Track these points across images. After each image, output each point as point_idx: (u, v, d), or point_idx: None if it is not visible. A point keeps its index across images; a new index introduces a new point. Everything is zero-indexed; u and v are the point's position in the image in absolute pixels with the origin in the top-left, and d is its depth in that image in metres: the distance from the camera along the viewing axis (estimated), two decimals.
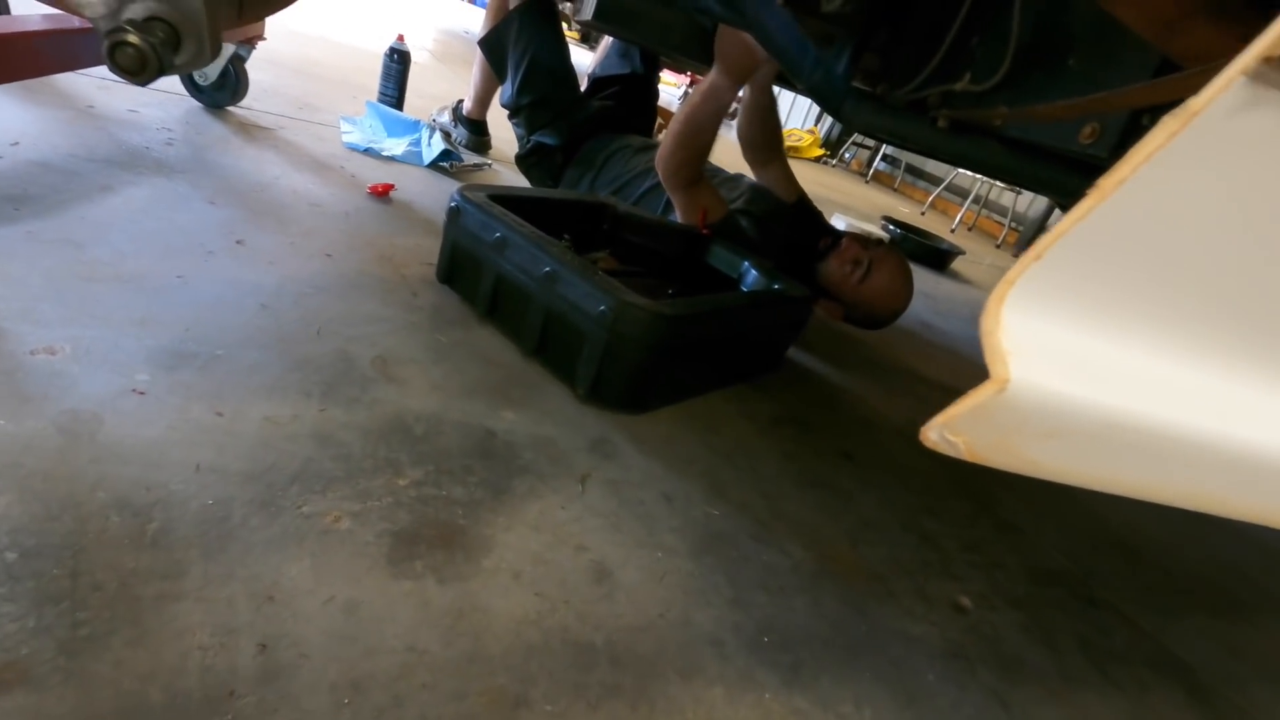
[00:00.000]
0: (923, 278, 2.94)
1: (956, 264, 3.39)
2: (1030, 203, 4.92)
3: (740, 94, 1.63)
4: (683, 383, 1.17)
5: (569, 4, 1.76)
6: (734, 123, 1.74)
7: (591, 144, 1.81)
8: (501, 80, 1.88)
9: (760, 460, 1.09)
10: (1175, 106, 0.57)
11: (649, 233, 1.49)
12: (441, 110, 2.32)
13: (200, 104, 1.73)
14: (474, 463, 0.85)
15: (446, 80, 3.39)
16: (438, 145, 1.95)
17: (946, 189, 5.19)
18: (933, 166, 5.53)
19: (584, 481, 0.89)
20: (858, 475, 1.15)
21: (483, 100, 2.22)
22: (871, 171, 5.99)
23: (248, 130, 1.70)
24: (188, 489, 0.67)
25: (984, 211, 5.13)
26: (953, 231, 4.60)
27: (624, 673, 0.65)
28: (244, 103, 1.81)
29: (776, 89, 1.76)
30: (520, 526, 0.78)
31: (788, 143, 5.73)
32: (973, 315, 2.66)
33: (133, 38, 0.40)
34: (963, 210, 4.90)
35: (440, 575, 0.68)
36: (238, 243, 1.15)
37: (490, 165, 2.17)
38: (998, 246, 4.79)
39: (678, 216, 1.56)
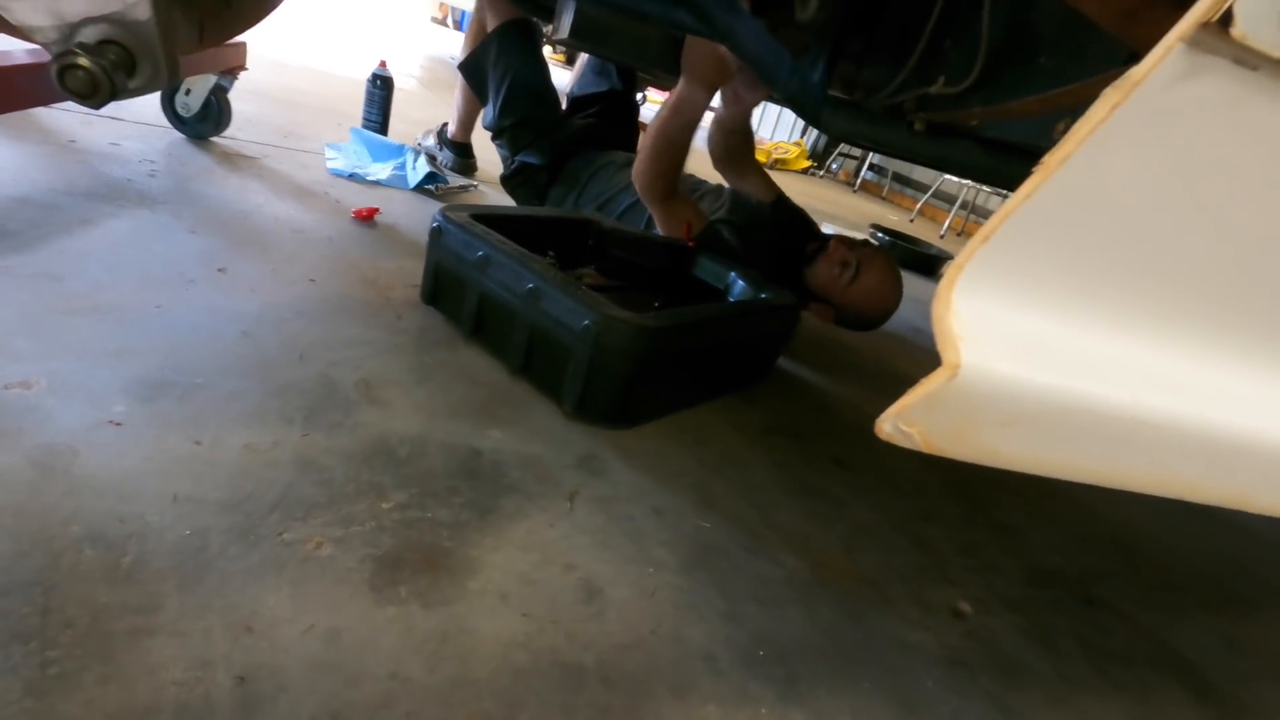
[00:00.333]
0: (913, 284, 2.94)
1: (946, 269, 3.41)
2: None
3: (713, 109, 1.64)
4: (670, 396, 1.16)
5: (547, 24, 1.77)
6: (704, 136, 1.74)
7: (575, 162, 1.82)
8: (484, 103, 1.89)
9: (750, 470, 1.08)
10: None
11: (634, 247, 1.49)
12: (426, 134, 2.33)
13: (183, 136, 1.74)
14: (459, 483, 0.84)
15: (431, 105, 3.41)
16: (423, 168, 1.96)
17: (934, 196, 5.22)
18: (920, 174, 5.57)
19: (572, 499, 0.88)
20: (850, 481, 1.14)
21: (466, 123, 2.23)
22: (859, 181, 6.03)
23: (231, 160, 1.70)
24: (164, 520, 0.66)
25: (972, 217, 5.16)
26: (942, 237, 4.62)
27: (615, 693, 0.64)
28: (228, 133, 1.81)
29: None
30: (507, 547, 0.76)
31: (774, 155, 5.77)
32: None
33: (83, 60, 0.39)
34: (951, 216, 4.93)
35: (425, 600, 0.67)
36: (219, 271, 1.15)
37: (476, 186, 2.18)
38: None
39: (658, 230, 1.56)
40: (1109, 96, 0.19)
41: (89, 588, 0.57)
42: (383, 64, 2.26)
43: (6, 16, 0.41)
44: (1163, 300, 0.21)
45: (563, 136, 1.83)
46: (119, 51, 0.42)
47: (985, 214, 5.08)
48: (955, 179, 4.79)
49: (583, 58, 2.16)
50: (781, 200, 1.75)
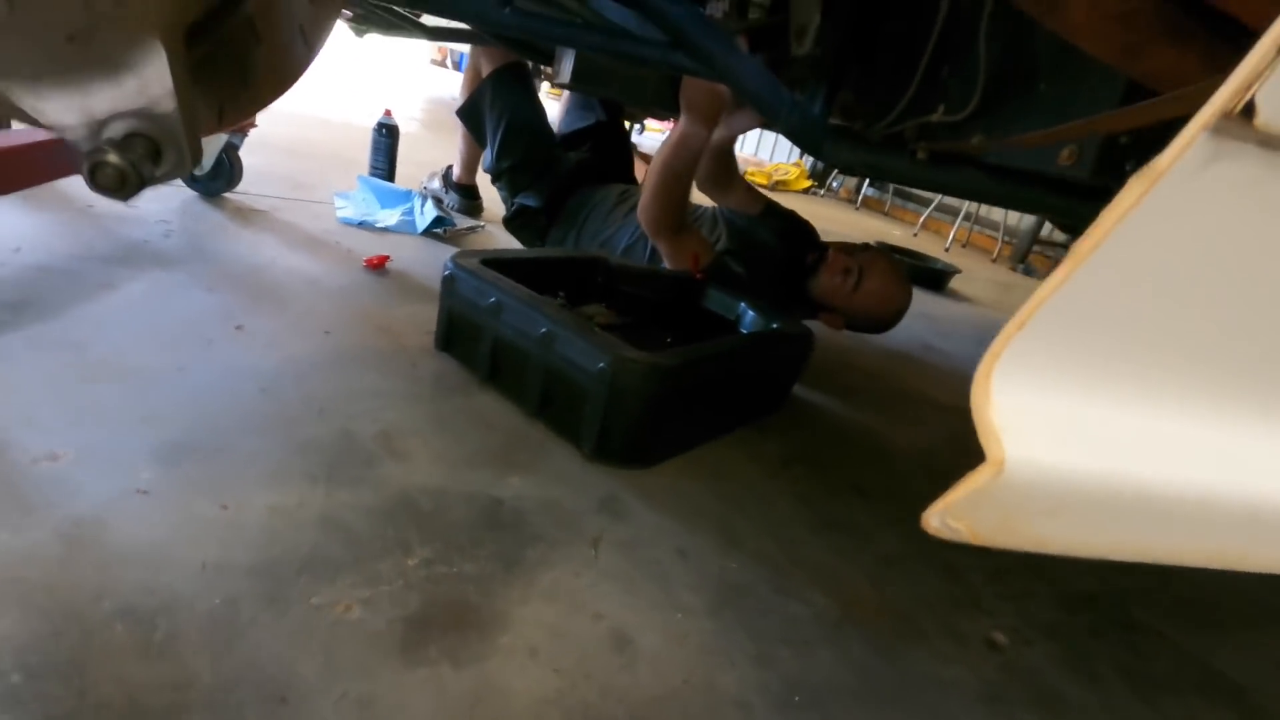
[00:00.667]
0: (921, 299, 2.94)
1: (954, 282, 3.39)
2: (1021, 216, 4.95)
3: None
4: (687, 432, 1.16)
5: (543, 65, 1.81)
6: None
7: (572, 201, 1.84)
8: (483, 147, 1.93)
9: (772, 505, 1.07)
10: (1146, 126, 0.57)
11: (643, 282, 1.50)
12: (432, 177, 2.37)
13: (197, 193, 1.77)
14: (483, 535, 0.84)
15: (435, 147, 3.47)
16: (430, 213, 1.99)
17: (937, 209, 5.23)
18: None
19: (596, 545, 0.87)
20: (872, 510, 1.13)
21: (470, 166, 2.27)
22: (861, 198, 6.06)
23: (244, 215, 1.74)
24: (194, 589, 0.66)
25: (976, 228, 5.16)
26: (946, 250, 4.62)
27: None
28: (239, 187, 1.85)
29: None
30: (535, 599, 0.76)
31: (775, 178, 5.82)
32: (976, 334, 2.65)
33: (112, 157, 0.41)
34: (954, 228, 4.94)
35: (455, 659, 0.66)
36: (237, 328, 1.16)
37: (484, 227, 2.20)
38: (993, 260, 4.81)
39: (665, 263, 1.57)
40: (1134, 186, 0.19)
41: (123, 665, 0.57)
42: (387, 113, 2.31)
43: (38, 119, 0.43)
44: (1199, 375, 0.21)
45: (558, 176, 1.86)
46: (146, 143, 0.43)
47: (989, 224, 5.08)
48: None
49: (565, 94, 2.20)
50: (770, 209, 1.76)
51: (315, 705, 0.58)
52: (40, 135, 1.13)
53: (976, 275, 3.99)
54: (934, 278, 3.23)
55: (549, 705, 0.64)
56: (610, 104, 2.08)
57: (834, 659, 0.79)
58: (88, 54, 0.40)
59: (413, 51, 8.97)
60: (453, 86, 6.78)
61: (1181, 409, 0.21)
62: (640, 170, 2.51)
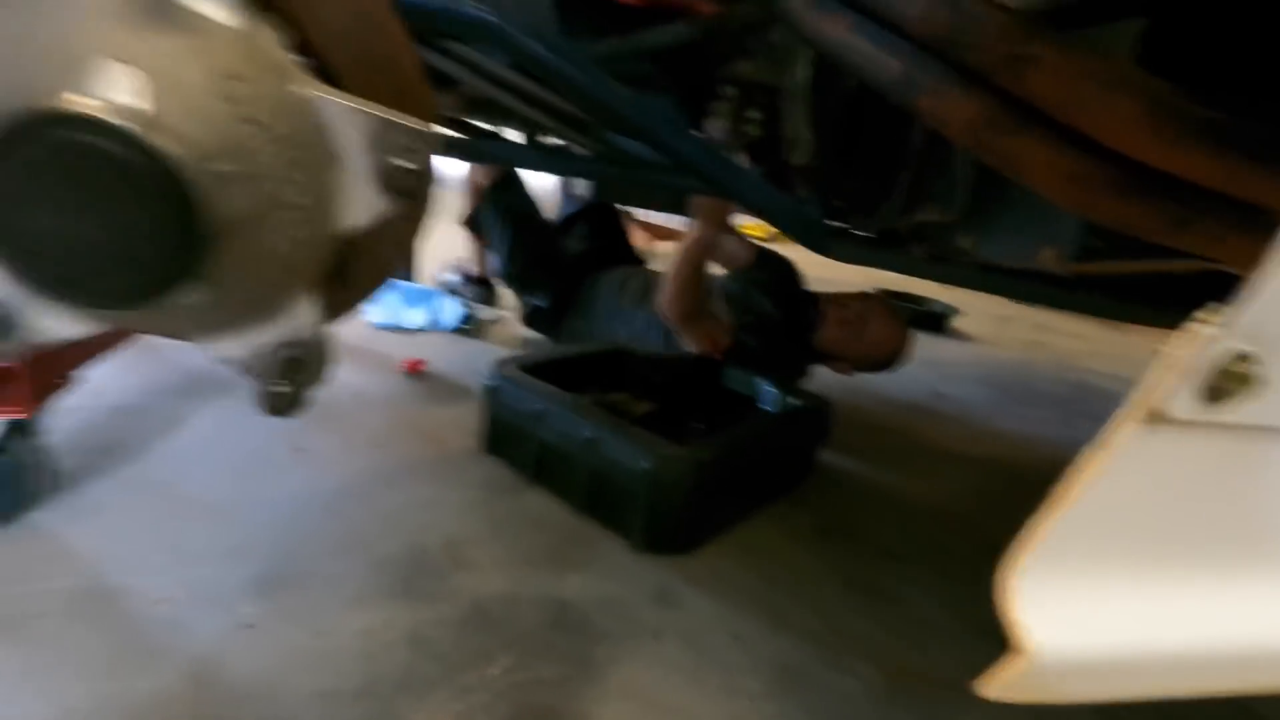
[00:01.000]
0: (923, 345, 3.04)
1: (955, 321, 3.50)
2: None
3: None
4: (726, 513, 1.23)
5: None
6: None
7: (580, 293, 1.98)
8: (489, 248, 2.09)
9: (810, 579, 1.14)
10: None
11: (664, 369, 1.60)
12: (449, 270, 2.51)
13: None
14: (554, 638, 0.91)
15: (450, 237, 3.63)
16: (454, 310, 2.11)
17: None
18: None
19: (659, 637, 0.94)
20: (906, 575, 1.20)
21: (482, 261, 2.42)
22: None
23: None
24: (311, 717, 0.73)
25: None
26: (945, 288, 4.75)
27: None
28: None
29: None
30: (611, 698, 0.83)
31: (768, 232, 6.00)
32: (982, 375, 2.73)
33: (283, 387, 0.51)
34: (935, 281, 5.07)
35: None
36: (298, 450, 1.26)
37: (505, 315, 2.32)
38: None
39: (684, 345, 1.68)
40: (1091, 457, 0.28)
41: None
42: None
43: (210, 353, 0.53)
44: (1190, 556, 0.29)
45: (563, 271, 2.00)
46: (296, 365, 0.53)
47: None
48: None
49: (559, 180, 2.37)
50: (763, 258, 1.87)
51: None
52: None
53: (976, 309, 4.09)
54: (935, 320, 3.34)
55: None
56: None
57: None
58: (260, 311, 0.50)
59: None
60: (451, 172, 7.05)
61: (1181, 582, 0.30)
62: (639, 238, 2.66)
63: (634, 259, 2.24)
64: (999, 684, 0.28)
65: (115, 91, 0.37)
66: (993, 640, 1.07)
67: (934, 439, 1.95)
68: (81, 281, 0.40)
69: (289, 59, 0.43)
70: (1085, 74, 0.52)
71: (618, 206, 2.29)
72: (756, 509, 1.32)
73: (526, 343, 2.14)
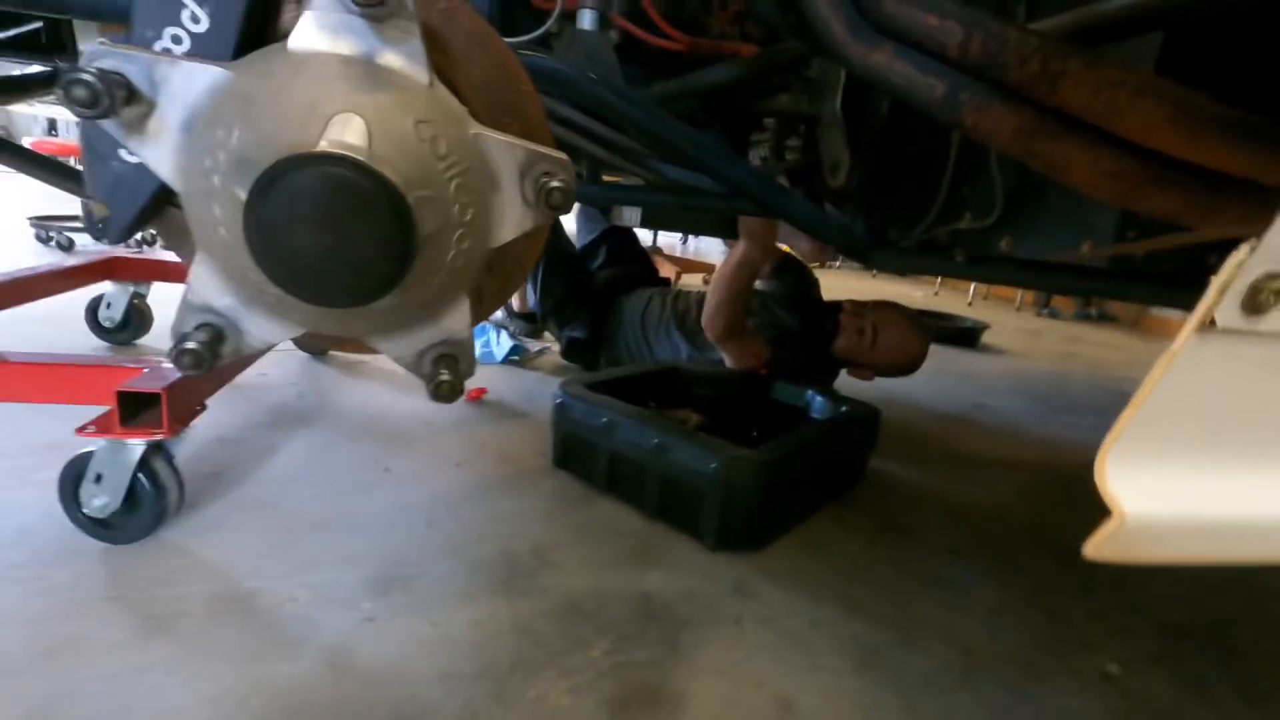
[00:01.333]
0: (959, 359, 3.08)
1: (985, 336, 3.54)
2: None
3: None
4: (790, 513, 1.30)
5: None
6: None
7: (610, 323, 2.10)
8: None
9: (877, 571, 1.19)
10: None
11: (714, 384, 1.68)
12: None
13: (302, 354, 2.01)
14: (644, 625, 0.98)
15: None
16: (505, 342, 2.22)
17: None
18: None
19: (740, 623, 1.00)
20: (969, 566, 1.24)
21: (522, 296, 2.54)
22: None
23: (350, 367, 1.97)
24: (439, 695, 0.81)
25: None
26: (970, 305, 4.78)
27: None
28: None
29: None
30: (704, 674, 0.89)
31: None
32: (1019, 386, 2.76)
33: (447, 377, 0.60)
34: (974, 284, 5.12)
35: None
36: (386, 471, 1.35)
37: (551, 347, 2.43)
38: (1017, 309, 4.95)
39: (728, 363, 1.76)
40: (1160, 363, 0.36)
41: None
42: None
43: (381, 352, 0.63)
44: (1245, 440, 0.37)
45: (595, 301, 2.12)
46: (452, 361, 0.62)
47: None
48: None
49: (578, 208, 2.50)
50: (785, 262, 1.97)
51: None
52: None
53: (1004, 326, 4.13)
54: (967, 335, 3.38)
55: None
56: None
57: (972, 702, 0.90)
58: (428, 314, 0.60)
59: None
60: None
61: (1222, 467, 0.37)
62: (664, 269, 2.78)
63: (655, 279, 2.37)
64: (1098, 544, 0.35)
65: (349, 135, 0.47)
66: (1059, 621, 1.11)
67: (979, 447, 1.99)
68: (327, 283, 0.49)
69: (462, 107, 0.54)
70: (1115, 83, 0.60)
71: (629, 230, 2.43)
72: (815, 510, 1.38)
73: (569, 371, 2.24)
